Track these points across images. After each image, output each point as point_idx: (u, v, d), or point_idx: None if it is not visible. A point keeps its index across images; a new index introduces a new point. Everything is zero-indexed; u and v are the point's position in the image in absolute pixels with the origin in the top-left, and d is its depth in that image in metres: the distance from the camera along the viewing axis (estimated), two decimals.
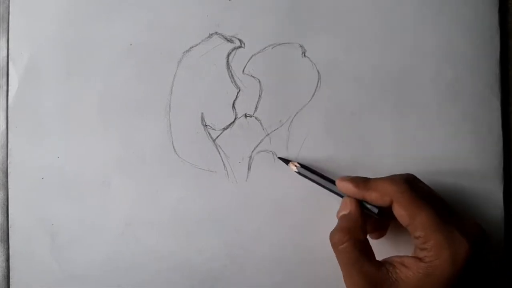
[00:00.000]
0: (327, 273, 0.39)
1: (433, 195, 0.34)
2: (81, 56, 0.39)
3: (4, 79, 0.39)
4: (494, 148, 0.39)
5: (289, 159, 0.39)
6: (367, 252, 0.33)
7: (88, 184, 0.39)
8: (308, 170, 0.37)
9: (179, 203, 0.39)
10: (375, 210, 0.34)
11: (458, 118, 0.39)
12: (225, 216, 0.39)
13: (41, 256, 0.39)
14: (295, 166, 0.38)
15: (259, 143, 0.39)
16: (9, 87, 0.39)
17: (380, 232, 0.37)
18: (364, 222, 0.34)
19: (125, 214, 0.39)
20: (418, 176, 0.35)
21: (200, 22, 0.39)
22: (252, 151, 0.39)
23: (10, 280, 0.39)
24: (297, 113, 0.39)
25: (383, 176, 0.34)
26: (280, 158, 0.39)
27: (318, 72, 0.39)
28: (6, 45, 0.39)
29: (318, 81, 0.39)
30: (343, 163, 0.39)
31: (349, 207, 0.34)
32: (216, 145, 0.39)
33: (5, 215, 0.39)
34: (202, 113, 0.39)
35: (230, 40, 0.39)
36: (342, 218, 0.34)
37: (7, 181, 0.39)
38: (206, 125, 0.39)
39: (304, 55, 0.39)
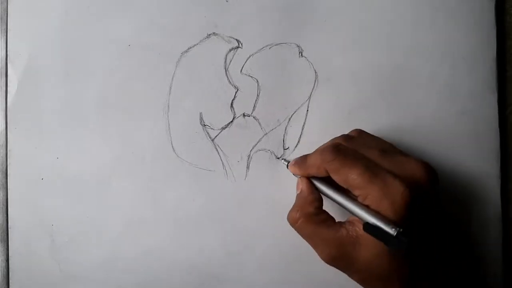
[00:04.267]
0: (326, 271, 0.39)
1: (371, 145, 0.34)
2: (79, 57, 0.39)
3: (3, 80, 0.39)
4: (492, 147, 0.40)
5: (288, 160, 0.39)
6: (324, 220, 0.33)
7: (88, 184, 0.39)
8: None
9: (178, 203, 0.39)
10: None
11: (455, 117, 0.40)
12: (224, 215, 0.39)
13: (40, 256, 0.39)
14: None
15: (258, 142, 0.39)
16: (8, 88, 0.39)
17: None
18: (317, 196, 0.34)
19: (124, 214, 0.39)
20: None
21: (198, 23, 0.39)
22: (251, 150, 0.39)
23: (10, 281, 0.39)
24: (294, 112, 0.39)
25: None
26: (282, 159, 0.39)
27: (315, 72, 0.39)
28: (5, 45, 0.39)
29: (315, 81, 0.39)
30: None
31: (300, 186, 0.35)
32: (214, 145, 0.39)
33: (5, 215, 0.39)
34: (200, 113, 0.39)
35: (228, 41, 0.39)
36: (296, 198, 0.35)
37: (6, 182, 0.39)
38: (204, 125, 0.39)
39: (301, 55, 0.40)
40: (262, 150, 0.39)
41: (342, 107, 0.39)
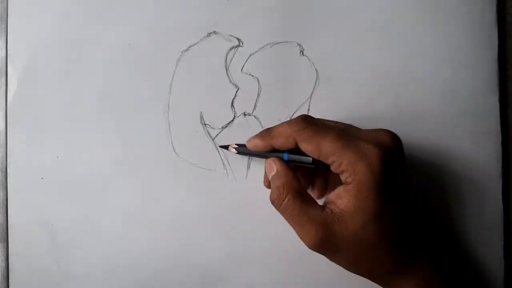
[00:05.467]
0: (327, 271, 0.39)
1: (334, 123, 0.34)
2: (80, 56, 0.39)
3: (3, 79, 0.39)
4: (493, 147, 0.40)
5: (227, 145, 0.38)
6: (309, 199, 0.33)
7: (88, 183, 0.39)
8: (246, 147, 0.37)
9: (179, 202, 0.39)
10: (309, 160, 0.33)
11: (456, 116, 0.40)
12: (225, 214, 0.39)
13: (40, 256, 0.39)
14: (234, 148, 0.38)
15: None
16: (8, 87, 0.39)
17: (320, 192, 0.37)
18: (296, 174, 0.34)
19: (125, 213, 0.39)
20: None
21: (199, 22, 0.39)
22: None
23: (9, 280, 0.39)
24: (295, 111, 0.39)
25: None
26: (221, 146, 0.39)
27: (316, 71, 0.39)
28: (4, 45, 0.39)
29: (316, 80, 0.39)
30: None
31: (274, 166, 0.34)
32: (215, 144, 0.39)
33: (5, 215, 0.39)
34: (201, 112, 0.39)
35: (228, 39, 0.39)
36: (273, 179, 0.34)
37: (6, 181, 0.39)
38: (205, 124, 0.39)
39: (302, 54, 0.39)
40: None
41: (343, 106, 0.39)
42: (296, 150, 0.34)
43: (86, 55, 0.39)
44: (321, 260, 0.39)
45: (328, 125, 0.33)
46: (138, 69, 0.39)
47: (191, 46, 0.39)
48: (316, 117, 0.34)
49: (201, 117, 0.39)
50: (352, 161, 0.30)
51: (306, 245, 0.32)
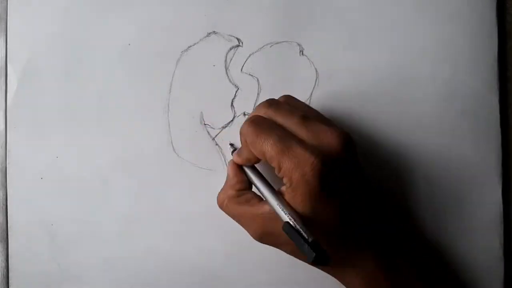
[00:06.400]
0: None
1: (293, 112, 0.33)
2: (79, 56, 0.39)
3: (3, 79, 0.39)
4: (493, 147, 0.40)
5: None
6: (248, 200, 0.34)
7: (87, 184, 0.39)
8: None
9: (178, 202, 0.39)
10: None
11: (456, 116, 0.40)
12: (224, 214, 0.39)
13: (40, 256, 0.39)
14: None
15: None
16: (8, 87, 0.39)
17: None
18: (240, 178, 0.35)
19: (124, 213, 0.39)
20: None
21: (198, 22, 0.39)
22: None
23: (10, 280, 0.39)
24: None
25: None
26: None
27: (316, 71, 0.39)
28: (4, 45, 0.39)
29: (316, 80, 0.39)
30: None
31: (227, 170, 0.36)
32: (215, 144, 0.39)
33: (4, 215, 0.39)
34: (201, 112, 0.39)
35: (228, 39, 0.39)
36: (225, 181, 0.36)
37: (6, 181, 0.39)
38: (205, 124, 0.39)
39: (302, 54, 0.39)
40: None
41: (342, 106, 0.39)
42: None
43: (86, 55, 0.39)
44: None
45: (271, 127, 0.32)
46: (138, 70, 0.39)
47: (191, 46, 0.39)
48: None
49: (201, 117, 0.39)
50: (289, 169, 0.30)
51: (253, 238, 0.34)
